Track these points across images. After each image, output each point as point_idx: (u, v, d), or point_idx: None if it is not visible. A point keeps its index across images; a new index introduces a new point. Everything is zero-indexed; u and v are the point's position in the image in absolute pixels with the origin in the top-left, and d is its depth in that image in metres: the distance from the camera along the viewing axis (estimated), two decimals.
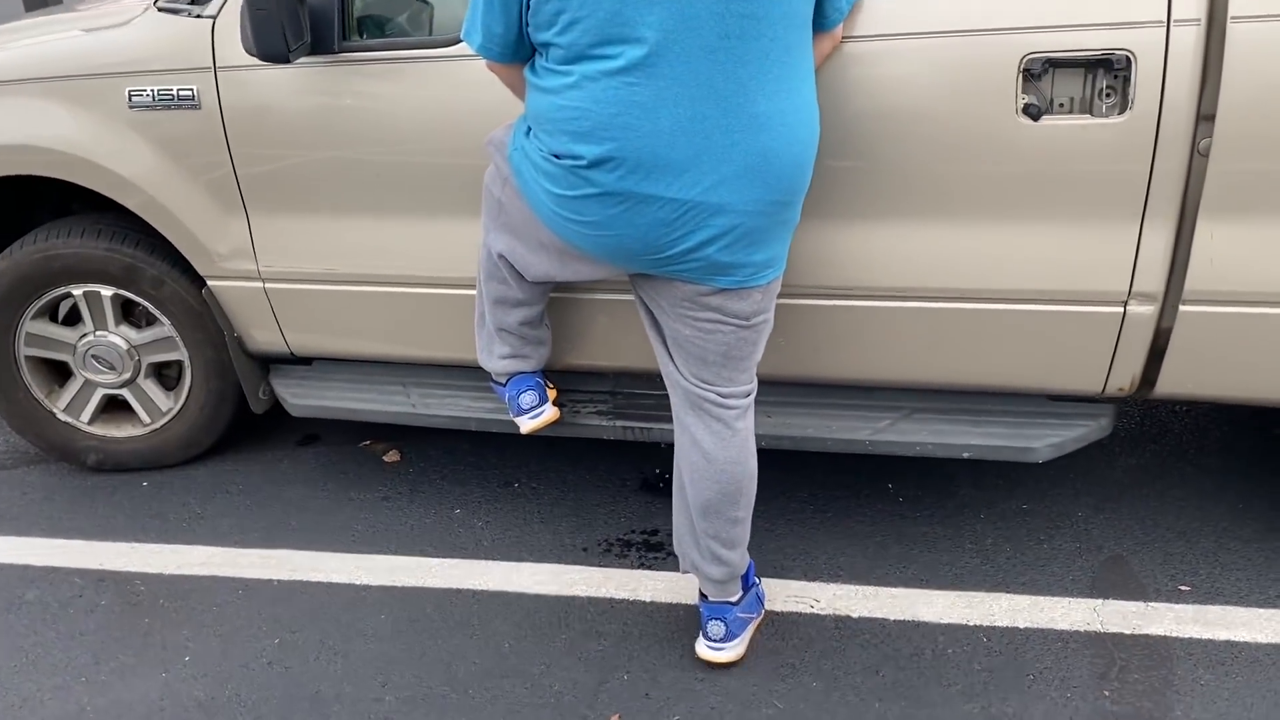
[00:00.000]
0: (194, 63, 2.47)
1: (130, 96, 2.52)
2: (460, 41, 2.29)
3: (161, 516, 2.83)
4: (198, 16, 2.46)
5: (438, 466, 3.01)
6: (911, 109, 2.07)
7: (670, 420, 2.48)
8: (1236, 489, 2.69)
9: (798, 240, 2.17)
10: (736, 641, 2.17)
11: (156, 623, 2.41)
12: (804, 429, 2.42)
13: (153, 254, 2.75)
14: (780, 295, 2.17)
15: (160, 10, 2.54)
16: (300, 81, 2.40)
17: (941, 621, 2.28)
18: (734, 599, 2.16)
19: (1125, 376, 2.23)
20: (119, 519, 2.84)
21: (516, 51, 1.86)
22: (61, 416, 3.01)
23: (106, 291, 2.81)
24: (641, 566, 2.52)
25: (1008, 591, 2.36)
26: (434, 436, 3.14)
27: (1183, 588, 2.34)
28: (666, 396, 2.56)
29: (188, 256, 2.68)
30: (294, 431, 3.25)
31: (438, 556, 2.60)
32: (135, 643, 2.35)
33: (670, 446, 2.97)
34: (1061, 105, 2.05)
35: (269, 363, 2.89)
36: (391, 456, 3.07)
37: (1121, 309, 2.15)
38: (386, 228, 2.50)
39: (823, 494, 2.77)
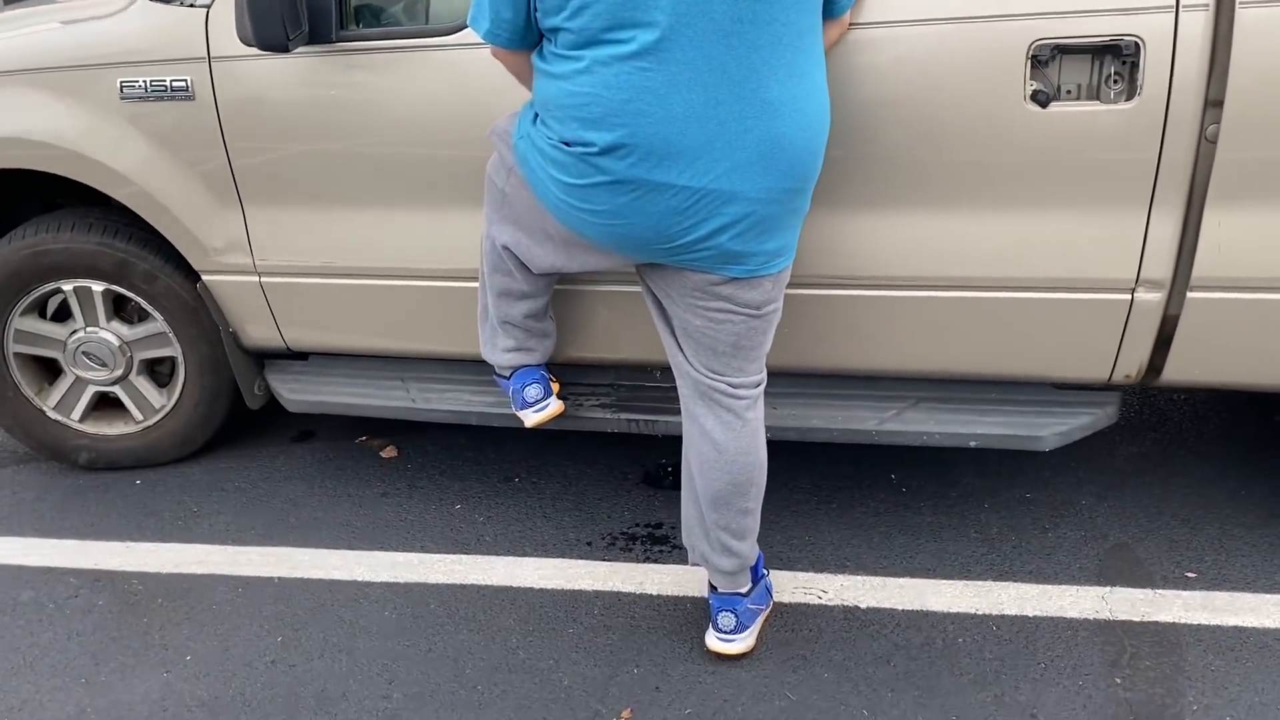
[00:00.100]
0: (187, 53, 2.42)
1: (122, 88, 2.48)
2: (460, 30, 2.27)
3: (156, 515, 2.79)
4: (191, 5, 2.42)
5: (436, 462, 2.98)
6: (919, 96, 2.06)
7: (674, 412, 2.48)
8: (1237, 476, 2.70)
9: (803, 229, 2.16)
10: (747, 633, 2.16)
11: (155, 622, 2.38)
12: (809, 419, 2.41)
13: (145, 248, 2.71)
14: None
15: None
16: (297, 72, 2.37)
17: (950, 611, 2.27)
18: (744, 590, 2.15)
19: (1132, 364, 2.23)
20: (113, 518, 2.79)
21: (524, 37, 1.83)
22: (52, 415, 2.97)
23: (98, 287, 2.76)
24: (647, 560, 2.50)
25: (1015, 580, 2.36)
26: (431, 432, 3.11)
27: (1189, 574, 2.34)
28: (669, 388, 2.56)
29: (182, 251, 2.64)
30: (289, 428, 3.21)
31: (439, 552, 2.57)
32: (134, 643, 2.32)
33: (672, 439, 2.95)
34: (1069, 92, 2.04)
35: (264, 358, 2.85)
36: (389, 452, 3.04)
37: (1129, 296, 2.14)
38: (386, 220, 2.46)
39: (826, 485, 2.76)
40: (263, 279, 2.61)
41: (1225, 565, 2.37)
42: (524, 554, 2.55)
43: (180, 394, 2.89)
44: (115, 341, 2.83)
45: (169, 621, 2.38)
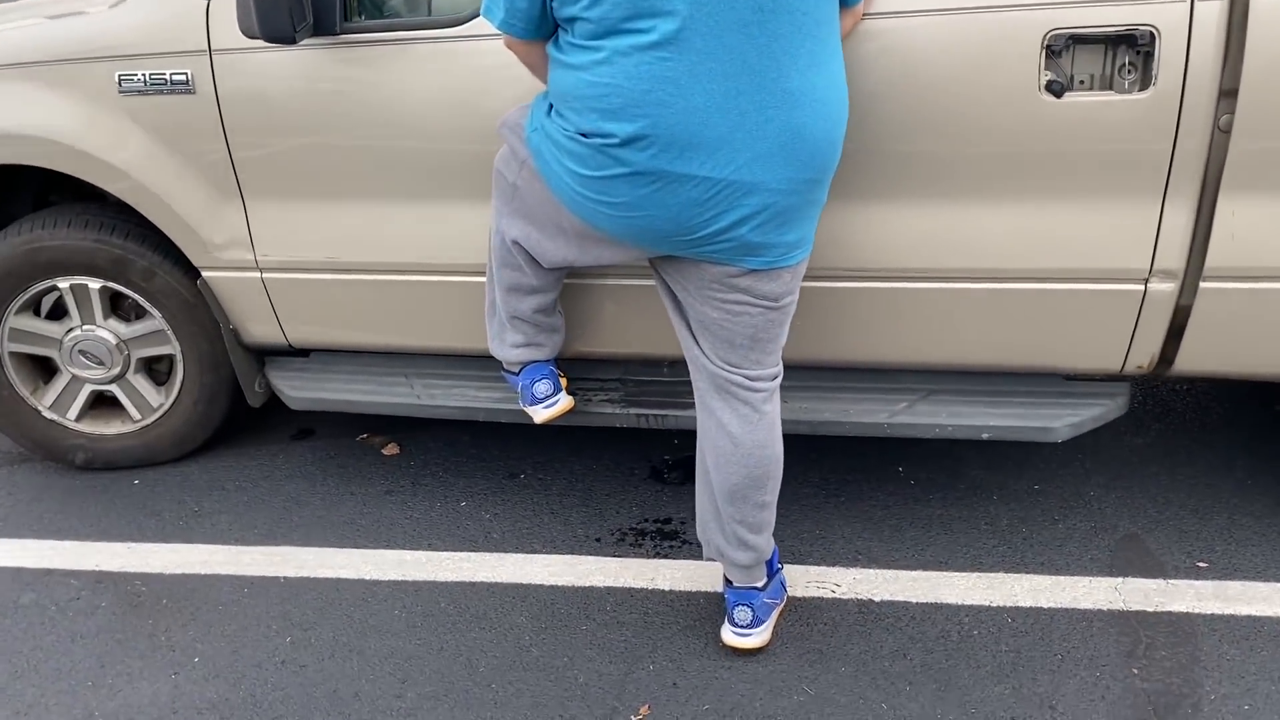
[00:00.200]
0: (187, 45, 2.38)
1: (120, 81, 2.44)
2: (466, 21, 2.24)
3: (157, 515, 2.75)
4: None
5: (439, 459, 2.95)
6: (933, 87, 2.05)
7: (684, 407, 2.47)
8: (1243, 465, 2.71)
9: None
10: (763, 628, 2.15)
11: (161, 624, 2.34)
12: (821, 413, 2.40)
13: (143, 245, 2.67)
14: None
15: None
16: (300, 64, 2.33)
17: (964, 603, 2.27)
18: (760, 585, 2.14)
19: (1145, 355, 2.23)
20: (112, 518, 2.75)
21: (539, 27, 1.81)
22: (47, 414, 2.92)
23: (94, 284, 2.72)
24: (657, 555, 2.49)
25: (1028, 572, 2.36)
26: (432, 429, 3.08)
27: (1200, 564, 2.35)
28: (678, 383, 2.54)
29: (181, 247, 2.60)
30: (288, 426, 3.18)
31: (447, 550, 2.54)
32: (140, 645, 2.28)
33: (678, 433, 2.94)
34: (1082, 82, 2.04)
35: (264, 355, 2.81)
36: (391, 450, 3.01)
37: (1143, 287, 2.14)
38: (391, 214, 2.43)
39: (834, 478, 2.75)
40: (264, 275, 2.57)
41: (1236, 555, 2.37)
42: (533, 551, 2.52)
43: (179, 392, 2.85)
44: (112, 339, 2.79)
45: (174, 623, 2.34)
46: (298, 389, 2.72)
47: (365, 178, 2.41)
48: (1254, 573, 2.31)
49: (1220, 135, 2.01)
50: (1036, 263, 2.16)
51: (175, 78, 2.40)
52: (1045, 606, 2.25)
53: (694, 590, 2.36)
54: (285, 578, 2.47)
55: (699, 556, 2.46)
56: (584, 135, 1.76)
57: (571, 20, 1.73)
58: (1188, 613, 2.20)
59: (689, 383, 2.51)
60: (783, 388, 2.40)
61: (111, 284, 2.71)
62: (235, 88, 2.38)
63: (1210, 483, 2.65)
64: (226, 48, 2.36)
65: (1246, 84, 1.95)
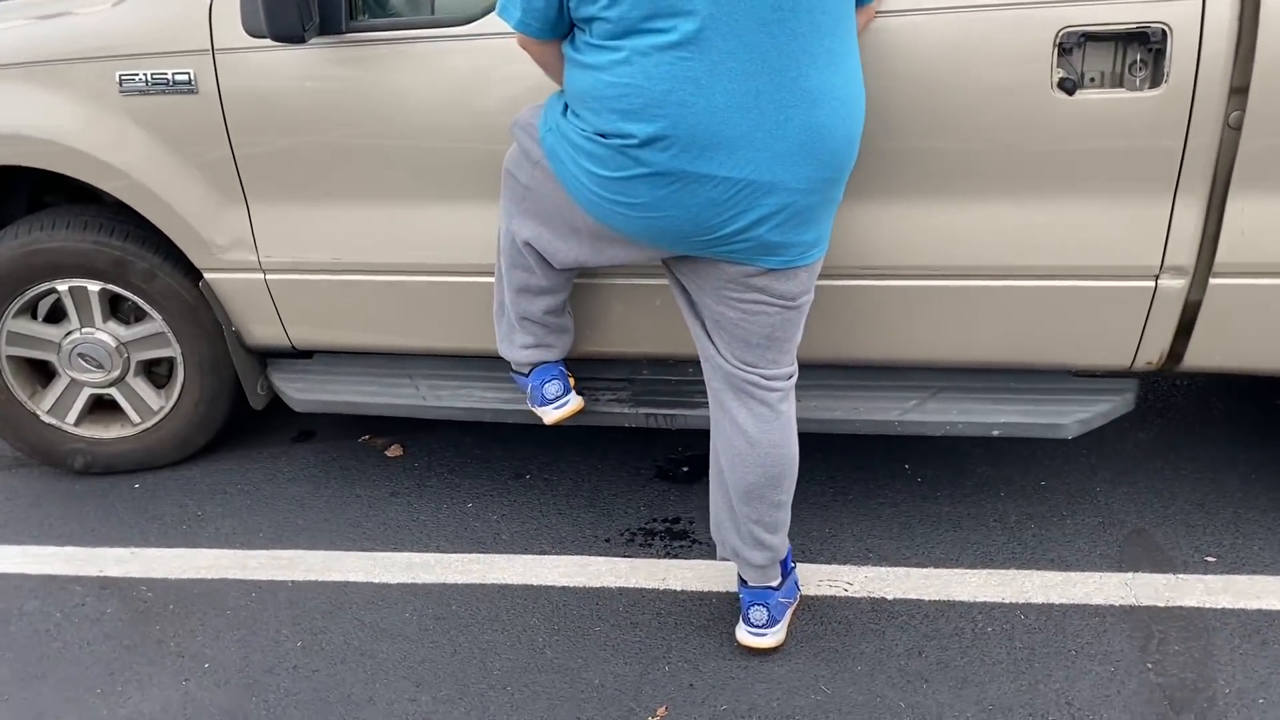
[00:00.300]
0: (190, 45, 2.36)
1: (121, 81, 2.41)
2: (474, 20, 2.23)
3: (159, 519, 2.73)
4: None
5: (443, 460, 2.93)
6: (945, 84, 2.05)
7: (693, 406, 2.47)
8: (1245, 460, 2.73)
9: None
10: (778, 627, 2.14)
11: (169, 630, 2.32)
12: (831, 411, 2.40)
13: (143, 246, 2.64)
14: None
15: None
16: (304, 63, 2.31)
17: (977, 600, 2.27)
18: (775, 584, 2.13)
19: (1154, 351, 2.24)
20: (114, 523, 2.72)
21: (555, 27, 1.80)
22: (45, 418, 2.88)
23: (93, 286, 2.69)
24: (667, 555, 2.48)
25: (1038, 568, 2.36)
26: (435, 430, 3.06)
27: (1209, 558, 2.36)
28: (686, 382, 2.54)
29: (183, 248, 2.57)
30: (288, 428, 3.15)
31: (456, 552, 2.53)
32: (149, 651, 2.26)
33: (684, 432, 2.94)
34: (1092, 80, 2.04)
35: (266, 357, 2.79)
36: (394, 451, 2.99)
37: (1153, 283, 2.15)
38: (396, 214, 2.42)
39: (841, 476, 2.75)
40: (268, 276, 2.55)
41: (1243, 548, 2.39)
42: (543, 552, 2.51)
43: (179, 395, 2.82)
44: (112, 342, 2.76)
45: (183, 628, 2.32)
46: (301, 391, 2.70)
47: (371, 178, 2.39)
48: (1262, 566, 2.33)
49: (1230, 132, 2.02)
50: (1048, 260, 2.16)
51: (178, 77, 2.38)
52: (1057, 603, 2.25)
53: (706, 590, 2.36)
54: (293, 581, 2.45)
55: (709, 556, 2.46)
56: (602, 136, 1.75)
57: (589, 20, 1.72)
58: (1198, 607, 2.22)
59: (697, 382, 2.51)
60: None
61: (111, 286, 2.68)
62: (239, 87, 2.36)
63: (1214, 477, 2.66)
64: (230, 47, 2.34)
65: (1257, 81, 1.96)
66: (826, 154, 1.74)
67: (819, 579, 2.37)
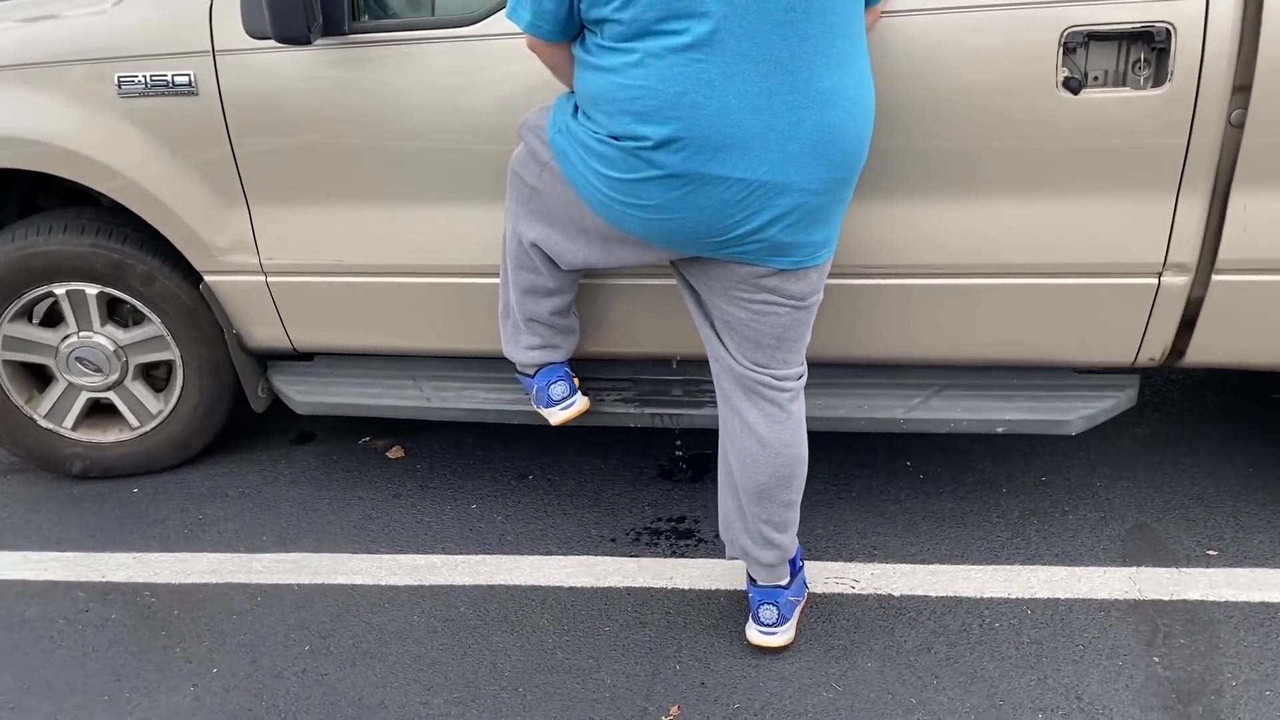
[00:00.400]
0: (190, 46, 2.34)
1: (120, 83, 2.39)
2: (478, 21, 2.22)
3: (160, 524, 2.71)
4: None
5: (445, 461, 2.93)
6: (950, 83, 2.06)
7: (698, 406, 2.47)
8: (1242, 454, 2.76)
9: None
10: (787, 626, 2.15)
11: (175, 635, 2.30)
12: (836, 409, 2.41)
13: (141, 249, 2.62)
14: None
15: None
16: (306, 64, 2.30)
17: (983, 596, 2.29)
18: (784, 583, 2.14)
19: (1157, 347, 2.26)
20: (114, 528, 2.70)
21: (565, 29, 1.79)
22: (43, 423, 2.86)
23: (91, 290, 2.66)
24: (674, 555, 2.49)
25: (1043, 563, 2.38)
26: (436, 431, 3.05)
27: (1210, 552, 2.39)
28: (690, 381, 2.54)
29: (183, 251, 2.55)
30: (287, 430, 3.14)
31: (462, 553, 2.53)
32: (155, 657, 2.24)
33: (687, 432, 2.94)
34: (1096, 79, 2.06)
35: (267, 359, 2.77)
36: (395, 453, 2.98)
37: (1157, 280, 2.17)
38: (400, 215, 2.41)
39: (843, 474, 2.76)
40: (269, 278, 2.54)
41: (1244, 542, 2.42)
42: (549, 552, 2.51)
43: (178, 398, 2.81)
44: (110, 346, 2.74)
45: (189, 633, 2.31)
46: (304, 393, 2.68)
47: (374, 179, 2.38)
48: (1263, 559, 2.35)
49: (1232, 130, 2.04)
50: (1053, 258, 2.17)
51: (178, 79, 2.36)
52: (1063, 597, 2.27)
53: (713, 589, 2.36)
54: (299, 585, 2.44)
55: (715, 555, 2.47)
56: (615, 138, 1.75)
57: (600, 22, 1.72)
58: (1202, 600, 2.24)
59: (701, 381, 2.52)
60: None
61: (109, 289, 2.66)
62: (240, 89, 2.34)
63: (1212, 471, 2.69)
64: (231, 48, 2.32)
65: (1260, 79, 1.98)
66: (838, 154, 1.75)
67: (826, 576, 2.38)
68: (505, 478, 2.83)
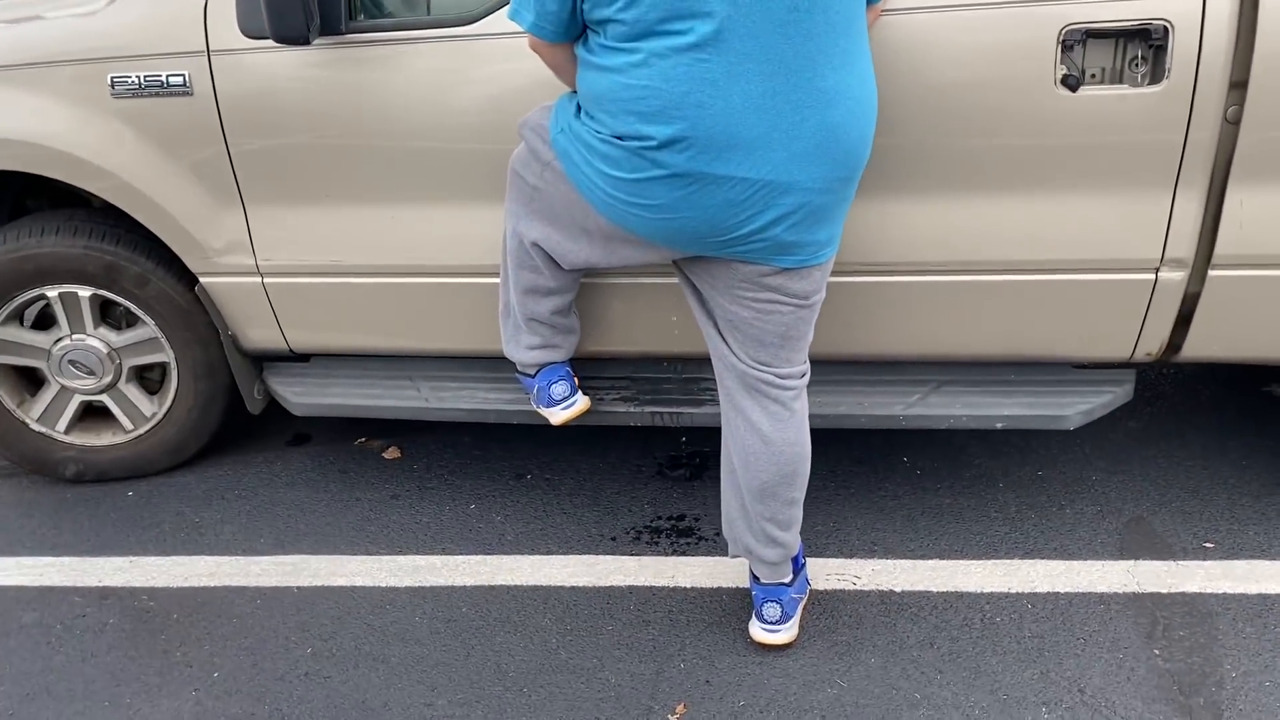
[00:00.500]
0: (185, 46, 2.32)
1: (113, 83, 2.37)
2: (476, 20, 2.21)
3: (157, 527, 2.69)
4: None
5: (443, 461, 2.92)
6: (951, 82, 2.07)
7: (697, 404, 2.48)
8: (1236, 446, 2.78)
9: None
10: (791, 623, 2.16)
11: (174, 639, 2.29)
12: (836, 406, 2.42)
13: (135, 251, 2.60)
14: None
15: None
16: (302, 64, 2.28)
17: (984, 591, 2.30)
18: (788, 580, 2.14)
19: (1154, 342, 2.28)
20: (109, 532, 2.68)
21: (568, 29, 1.79)
22: (35, 427, 2.84)
23: (84, 292, 2.64)
24: (675, 553, 2.49)
25: (1042, 558, 2.40)
26: (433, 431, 3.05)
27: (1207, 545, 2.41)
28: (689, 380, 2.55)
29: (178, 252, 2.53)
30: (282, 432, 3.12)
31: (462, 554, 2.52)
32: (155, 662, 2.23)
33: (686, 430, 2.95)
34: (1093, 76, 2.07)
35: (263, 361, 2.76)
36: (392, 453, 2.97)
37: (1154, 276, 2.19)
38: (398, 216, 2.40)
39: (841, 470, 2.77)
40: (266, 280, 2.52)
41: (1239, 534, 2.44)
42: (549, 552, 2.51)
43: (173, 401, 2.79)
44: (103, 348, 2.72)
45: (188, 637, 2.29)
46: (300, 395, 2.67)
47: (371, 179, 2.37)
48: (1258, 551, 2.38)
49: (1229, 127, 2.05)
50: (1051, 254, 2.19)
51: (172, 79, 2.34)
52: (1062, 591, 2.29)
53: (715, 586, 2.37)
54: (299, 587, 2.43)
55: (716, 552, 2.47)
56: (619, 138, 1.75)
57: (604, 22, 1.71)
58: (1200, 593, 2.26)
59: (700, 380, 2.53)
60: None
61: (102, 291, 2.64)
62: (235, 89, 2.33)
63: (1206, 464, 2.72)
64: (226, 48, 2.30)
65: (1256, 76, 1.99)
66: (841, 153, 1.75)
67: (827, 573, 2.38)
68: (503, 477, 2.83)
